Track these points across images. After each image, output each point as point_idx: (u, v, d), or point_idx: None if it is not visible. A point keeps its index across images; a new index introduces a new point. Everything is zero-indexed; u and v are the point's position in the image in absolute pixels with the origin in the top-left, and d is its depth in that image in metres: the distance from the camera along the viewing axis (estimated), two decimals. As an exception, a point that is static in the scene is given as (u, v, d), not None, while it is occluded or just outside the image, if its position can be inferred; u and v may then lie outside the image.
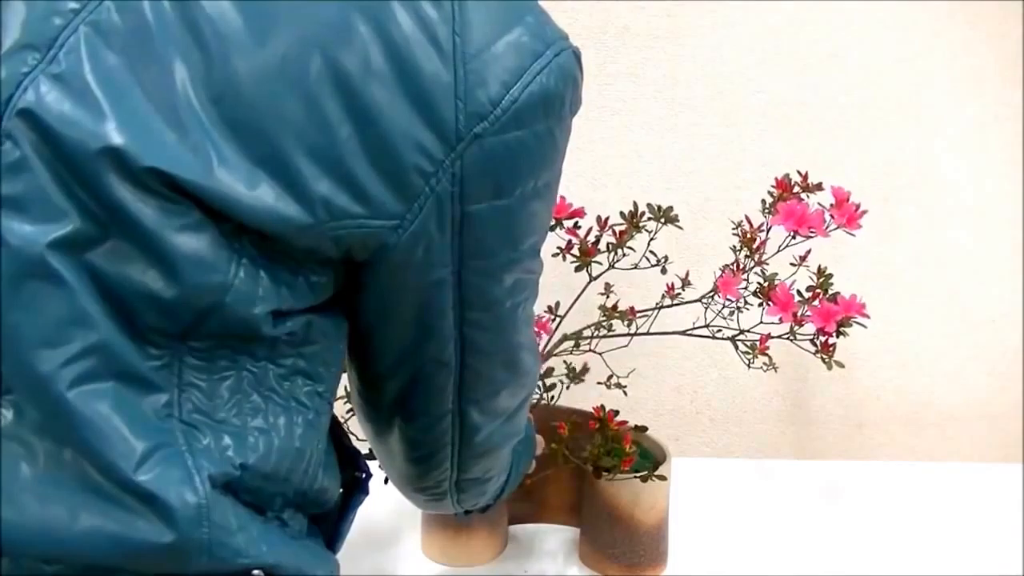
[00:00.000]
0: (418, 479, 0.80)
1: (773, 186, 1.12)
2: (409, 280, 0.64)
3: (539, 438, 1.05)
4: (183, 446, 0.59)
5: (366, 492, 0.79)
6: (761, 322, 1.10)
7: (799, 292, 1.09)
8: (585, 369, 1.16)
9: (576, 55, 0.65)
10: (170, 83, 0.57)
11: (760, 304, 1.10)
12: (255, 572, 0.61)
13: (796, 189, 1.11)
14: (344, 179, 0.59)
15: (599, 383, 1.18)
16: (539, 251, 0.71)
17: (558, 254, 1.12)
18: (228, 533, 0.59)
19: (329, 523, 0.75)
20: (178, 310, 0.58)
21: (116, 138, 0.55)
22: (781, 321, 1.07)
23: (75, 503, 0.56)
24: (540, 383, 1.15)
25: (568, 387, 1.16)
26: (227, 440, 0.61)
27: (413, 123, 0.59)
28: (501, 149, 0.61)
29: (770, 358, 1.10)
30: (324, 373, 0.67)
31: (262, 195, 0.57)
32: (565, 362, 1.15)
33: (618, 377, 1.17)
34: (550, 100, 0.62)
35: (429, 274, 0.64)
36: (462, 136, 0.60)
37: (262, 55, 0.57)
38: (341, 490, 0.76)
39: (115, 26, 0.58)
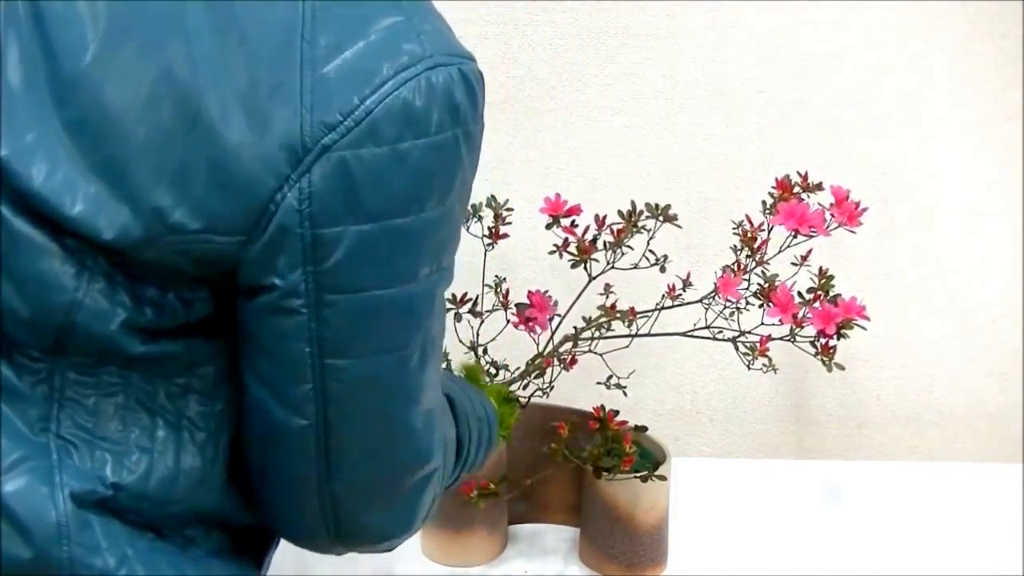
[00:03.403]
0: (294, 541, 0.71)
1: (773, 186, 1.12)
2: (262, 304, 0.59)
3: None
4: (55, 461, 0.57)
5: None
6: (762, 323, 1.10)
7: (800, 293, 1.09)
8: (573, 360, 1.15)
9: (464, 75, 0.58)
10: (10, 82, 0.55)
11: (761, 305, 1.10)
12: None
13: (796, 189, 1.11)
14: (182, 192, 0.55)
15: (599, 383, 1.18)
16: (425, 299, 0.62)
17: (555, 251, 1.12)
18: (93, 552, 0.58)
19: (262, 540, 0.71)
20: (37, 328, 0.56)
21: None
22: (781, 323, 1.07)
23: None
24: (539, 380, 1.15)
25: (557, 376, 1.15)
26: (105, 457, 0.59)
27: (255, 134, 0.55)
28: (355, 165, 0.56)
29: (770, 359, 1.10)
30: (222, 393, 0.63)
31: (92, 202, 0.55)
32: (558, 354, 1.15)
33: (618, 377, 1.17)
34: (416, 118, 0.57)
35: (282, 300, 0.58)
36: (308, 148, 0.55)
37: (104, 61, 0.55)
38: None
39: None
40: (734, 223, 1.14)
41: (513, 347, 1.18)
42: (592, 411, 1.09)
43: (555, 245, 1.12)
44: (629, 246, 1.12)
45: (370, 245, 0.58)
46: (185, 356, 0.61)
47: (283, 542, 0.72)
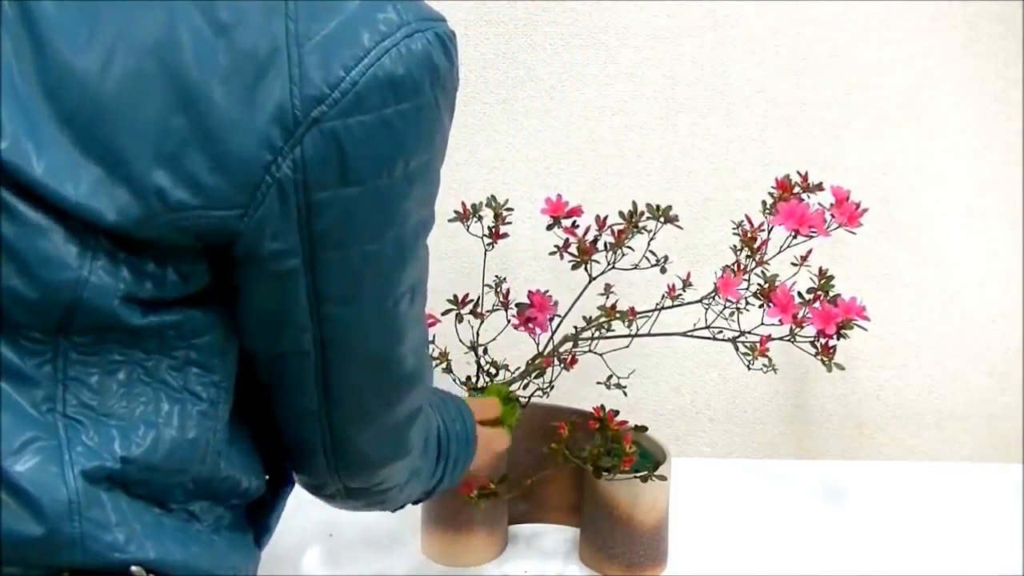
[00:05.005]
0: (298, 473, 0.78)
1: (773, 186, 1.12)
2: (262, 267, 0.63)
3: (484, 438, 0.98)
4: (63, 440, 0.59)
5: (292, 483, 0.79)
6: (762, 323, 1.10)
7: (800, 293, 1.09)
8: (574, 360, 1.15)
9: (440, 37, 0.62)
10: (4, 78, 0.57)
11: (761, 305, 1.10)
12: (134, 568, 0.61)
13: (796, 189, 1.11)
14: (178, 171, 0.58)
15: (599, 383, 1.18)
16: (412, 247, 0.68)
17: (555, 252, 1.12)
18: (103, 528, 0.59)
19: (260, 516, 0.75)
20: (44, 308, 0.58)
21: None
22: (781, 323, 1.07)
23: None
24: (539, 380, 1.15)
25: (557, 376, 1.15)
26: (113, 433, 0.61)
27: (247, 110, 0.58)
28: (343, 134, 0.60)
29: (770, 359, 1.10)
30: (218, 363, 0.66)
31: (90, 189, 0.57)
32: (558, 353, 1.15)
33: (618, 377, 1.17)
34: (399, 84, 0.60)
35: (280, 262, 0.63)
36: (300, 121, 0.59)
37: (89, 52, 0.57)
38: (268, 477, 0.75)
39: None
40: (734, 223, 1.14)
41: (513, 347, 1.18)
42: (592, 411, 1.09)
43: (556, 246, 1.12)
44: (630, 247, 1.11)
45: (360, 206, 0.62)
46: (185, 326, 0.63)
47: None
